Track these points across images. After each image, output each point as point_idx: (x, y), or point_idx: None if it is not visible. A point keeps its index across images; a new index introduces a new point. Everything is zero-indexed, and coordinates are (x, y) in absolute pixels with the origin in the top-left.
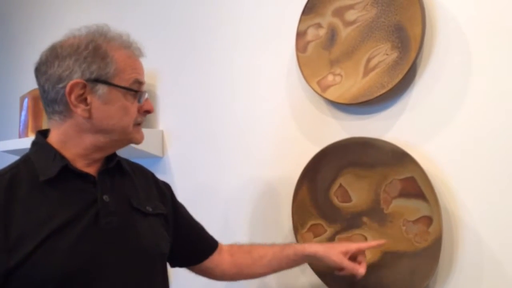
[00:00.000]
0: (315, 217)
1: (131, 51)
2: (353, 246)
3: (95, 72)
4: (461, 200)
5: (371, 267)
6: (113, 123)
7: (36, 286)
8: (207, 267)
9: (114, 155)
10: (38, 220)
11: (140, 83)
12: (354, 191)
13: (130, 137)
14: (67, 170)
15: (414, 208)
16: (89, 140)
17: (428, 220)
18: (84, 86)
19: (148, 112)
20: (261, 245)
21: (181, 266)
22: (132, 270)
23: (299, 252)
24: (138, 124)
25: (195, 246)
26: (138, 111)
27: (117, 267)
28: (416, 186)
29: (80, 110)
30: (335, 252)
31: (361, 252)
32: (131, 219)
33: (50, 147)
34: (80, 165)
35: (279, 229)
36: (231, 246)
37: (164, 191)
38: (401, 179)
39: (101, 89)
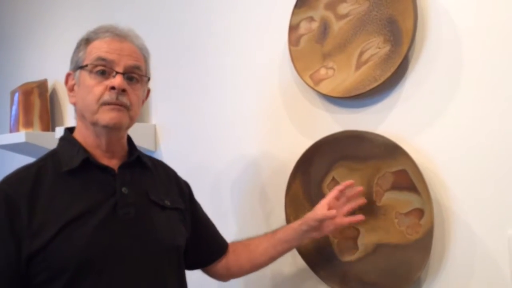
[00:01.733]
0: (308, 210)
1: (108, 35)
2: (326, 199)
3: (76, 60)
4: (452, 192)
5: (364, 259)
6: (82, 103)
7: (55, 272)
8: (217, 268)
9: (134, 149)
10: (59, 208)
11: (104, 59)
12: None
13: (95, 117)
14: (88, 163)
15: (406, 200)
16: (83, 127)
17: (419, 212)
18: (72, 76)
19: (112, 88)
20: (255, 237)
21: (192, 267)
22: (148, 260)
23: (287, 231)
24: (106, 104)
25: (208, 246)
26: (107, 89)
27: (132, 257)
28: (408, 178)
29: (70, 98)
30: (313, 213)
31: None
32: (148, 211)
33: (75, 141)
34: (99, 157)
35: (272, 222)
36: (232, 244)
37: (183, 188)
38: (393, 172)
39: (77, 74)
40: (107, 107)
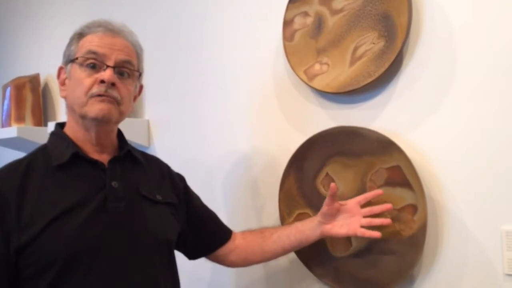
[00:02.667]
0: (302, 206)
1: (100, 30)
2: (327, 210)
3: (67, 55)
4: (446, 188)
5: (357, 255)
6: (71, 97)
7: (43, 265)
8: (221, 254)
9: (125, 144)
10: (48, 202)
11: (95, 53)
12: (341, 180)
13: (84, 110)
14: (78, 157)
15: (399, 196)
16: (73, 121)
17: (413, 208)
18: (64, 70)
19: (102, 81)
20: (271, 227)
21: (196, 256)
22: (138, 255)
23: (306, 221)
24: (95, 96)
25: (209, 236)
26: (96, 81)
27: (122, 251)
28: (402, 174)
29: (61, 92)
30: (333, 229)
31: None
32: (138, 205)
33: (65, 136)
34: (90, 151)
35: (266, 218)
36: (244, 231)
37: (177, 182)
38: (387, 168)
39: (69, 67)
40: (96, 98)
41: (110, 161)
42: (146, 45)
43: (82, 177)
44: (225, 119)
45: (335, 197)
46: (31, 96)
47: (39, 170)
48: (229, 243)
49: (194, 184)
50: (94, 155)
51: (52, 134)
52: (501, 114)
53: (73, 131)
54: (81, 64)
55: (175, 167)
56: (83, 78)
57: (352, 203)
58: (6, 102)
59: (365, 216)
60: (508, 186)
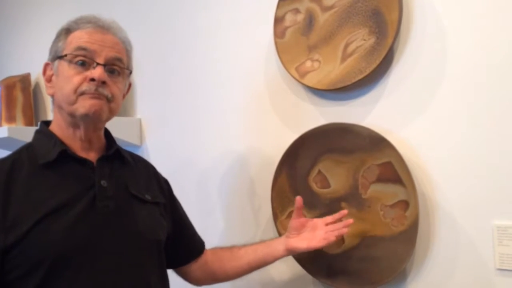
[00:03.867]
0: (294, 204)
1: (90, 26)
2: (293, 223)
3: (54, 51)
4: (437, 184)
5: (350, 251)
6: (60, 94)
7: (32, 265)
8: (191, 269)
9: (113, 143)
10: (35, 201)
11: (84, 49)
12: (333, 177)
13: (73, 108)
14: (66, 155)
15: (391, 192)
16: (60, 119)
17: (405, 204)
18: (50, 66)
19: (92, 79)
20: (241, 246)
21: (170, 266)
22: (128, 255)
23: (274, 239)
24: (84, 94)
25: (185, 246)
26: (86, 80)
27: (111, 250)
28: (393, 171)
29: (48, 89)
30: (295, 243)
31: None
32: (128, 204)
33: (51, 134)
34: (77, 149)
35: (259, 216)
36: (214, 247)
37: (163, 185)
38: (378, 164)
39: (56, 64)
40: (86, 95)
41: (99, 160)
42: (138, 43)
43: (70, 176)
44: (217, 116)
45: (301, 210)
46: (22, 96)
47: (25, 169)
48: (201, 257)
49: (188, 182)
50: (82, 153)
51: (38, 132)
52: (491, 110)
53: (60, 129)
54: (70, 61)
55: (168, 165)
56: (72, 76)
57: (319, 221)
58: None
59: (327, 225)
60: (499, 182)
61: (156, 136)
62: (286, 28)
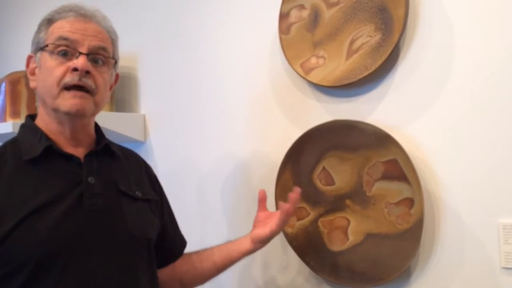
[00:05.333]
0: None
1: (71, 15)
2: (258, 216)
3: (36, 42)
4: (443, 181)
5: (354, 249)
6: (42, 87)
7: (17, 264)
8: (167, 270)
9: (102, 137)
10: (19, 199)
11: (66, 39)
12: (337, 174)
13: (56, 103)
14: (52, 151)
15: (396, 190)
16: (44, 113)
17: (410, 202)
18: (33, 59)
19: (74, 69)
20: (206, 249)
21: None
22: (116, 254)
23: (237, 256)
24: (68, 88)
25: (170, 246)
26: (69, 70)
27: (99, 250)
28: (399, 168)
29: (31, 82)
30: (257, 230)
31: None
32: (117, 202)
33: (37, 129)
34: (64, 145)
35: None
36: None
37: (154, 181)
38: (383, 162)
39: (38, 56)
40: (69, 93)
41: (86, 156)
42: (142, 38)
43: (56, 173)
44: (221, 112)
45: (263, 203)
46: (26, 91)
47: (9, 165)
48: (178, 264)
49: (192, 176)
50: (69, 149)
51: (23, 126)
52: (498, 106)
53: (45, 123)
54: (51, 52)
55: (172, 160)
56: (54, 67)
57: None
58: (1, 97)
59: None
60: (506, 180)
61: (160, 132)
62: (291, 24)
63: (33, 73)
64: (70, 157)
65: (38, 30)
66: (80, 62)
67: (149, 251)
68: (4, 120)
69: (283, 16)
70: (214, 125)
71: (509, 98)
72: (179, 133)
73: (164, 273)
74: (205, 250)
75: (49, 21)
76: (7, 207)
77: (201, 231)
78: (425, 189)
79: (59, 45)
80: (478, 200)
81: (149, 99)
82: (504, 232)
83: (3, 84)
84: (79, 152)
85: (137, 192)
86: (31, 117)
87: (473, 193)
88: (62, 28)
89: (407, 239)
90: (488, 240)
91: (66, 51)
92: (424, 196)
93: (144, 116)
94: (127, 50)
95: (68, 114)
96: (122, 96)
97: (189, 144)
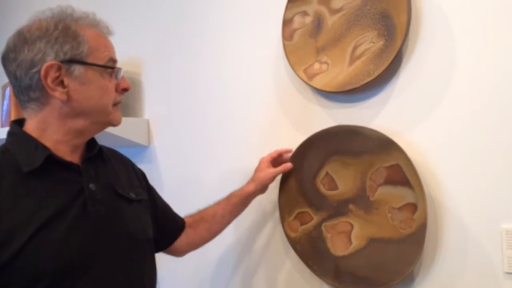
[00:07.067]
0: (301, 205)
1: (100, 29)
2: (272, 155)
3: (69, 52)
4: (445, 187)
5: (357, 254)
6: (92, 103)
7: (32, 279)
8: (177, 245)
9: (94, 142)
10: (26, 213)
11: (114, 61)
12: (341, 178)
13: (109, 118)
14: (50, 160)
15: (399, 195)
16: (69, 125)
17: (413, 207)
18: (59, 68)
19: (125, 90)
20: (208, 207)
21: (156, 250)
22: (124, 257)
23: (243, 196)
24: (115, 104)
25: (168, 227)
26: (116, 90)
27: (107, 256)
28: (402, 173)
29: (58, 93)
30: (265, 177)
31: (279, 154)
32: (117, 206)
33: (29, 137)
34: (63, 153)
35: (266, 217)
36: (187, 218)
37: (140, 177)
38: (386, 167)
39: (77, 69)
40: (117, 108)
41: (84, 162)
42: (146, 43)
43: (58, 182)
44: (225, 116)
45: (274, 159)
46: None
47: (7, 178)
48: (182, 234)
49: (195, 180)
50: (67, 156)
51: (11, 134)
52: (501, 112)
53: (43, 131)
54: (102, 71)
55: (176, 164)
56: (108, 86)
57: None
58: (5, 102)
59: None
60: (508, 185)
61: (164, 137)
62: (295, 30)
63: (58, 83)
64: (69, 165)
65: (65, 38)
66: (128, 83)
67: (151, 250)
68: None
69: (287, 22)
70: (218, 129)
71: (511, 104)
72: (182, 137)
73: (182, 242)
74: (212, 208)
75: (69, 29)
76: (15, 223)
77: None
78: (428, 194)
79: (111, 67)
80: (480, 205)
81: (153, 103)
82: (507, 237)
83: (8, 89)
84: (75, 159)
85: (131, 194)
86: (18, 123)
87: (475, 198)
88: (107, 47)
89: (410, 244)
90: (491, 245)
91: (113, 68)
92: (427, 201)
93: (148, 120)
94: (132, 55)
95: (115, 125)
96: (126, 100)
97: (192, 148)
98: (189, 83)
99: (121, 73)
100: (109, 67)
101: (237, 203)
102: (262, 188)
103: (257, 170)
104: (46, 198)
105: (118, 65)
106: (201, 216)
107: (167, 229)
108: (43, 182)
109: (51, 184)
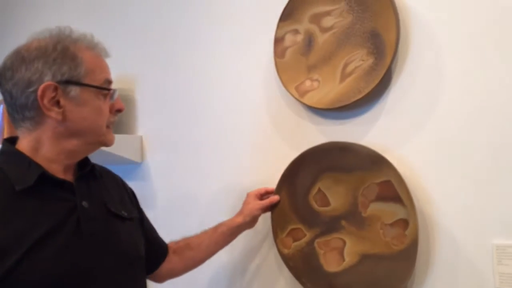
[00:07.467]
0: (294, 222)
1: (97, 51)
2: (259, 191)
3: (66, 73)
4: (436, 202)
5: (350, 270)
6: (87, 124)
7: None
8: (159, 271)
9: (87, 159)
10: (19, 231)
11: (109, 82)
12: (333, 195)
13: (103, 138)
14: (43, 178)
15: (391, 211)
16: (63, 145)
17: (404, 223)
18: (56, 89)
19: (119, 111)
20: (194, 235)
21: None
22: (117, 275)
23: (231, 226)
24: (108, 126)
25: (154, 251)
26: (110, 111)
27: (101, 274)
28: (393, 189)
29: (53, 113)
30: (253, 208)
31: (266, 191)
32: (110, 224)
33: (22, 155)
34: (55, 172)
35: (258, 234)
36: (171, 244)
37: (131, 196)
38: (378, 183)
39: (74, 90)
40: (110, 130)
41: (77, 179)
42: (140, 60)
43: (51, 200)
44: (218, 134)
45: (262, 195)
46: None
47: (0, 197)
48: (165, 260)
49: (188, 197)
50: (60, 174)
51: (4, 153)
52: (490, 128)
53: (35, 149)
54: (97, 92)
55: (169, 181)
56: (102, 107)
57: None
58: None
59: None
60: (498, 201)
61: (157, 153)
62: (286, 48)
63: (54, 104)
64: (62, 183)
65: (63, 59)
66: (122, 105)
67: (142, 268)
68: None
69: (278, 40)
70: (211, 146)
71: (500, 120)
72: (175, 154)
73: (163, 269)
74: (199, 243)
75: (67, 50)
76: (7, 241)
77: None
78: (419, 210)
79: (107, 89)
80: (471, 221)
81: (146, 120)
82: (497, 253)
83: (1, 106)
84: (68, 176)
85: (123, 212)
86: (10, 141)
87: (466, 213)
88: (103, 68)
89: (402, 260)
90: (482, 261)
91: (109, 90)
92: (419, 217)
93: (141, 137)
94: (125, 72)
95: (107, 146)
96: (119, 117)
97: (185, 165)
98: (182, 100)
99: (116, 94)
100: (105, 88)
101: (224, 233)
102: (251, 220)
103: (245, 203)
104: (39, 216)
105: (113, 81)
106: (186, 243)
107: (152, 254)
108: (36, 200)
109: (44, 202)
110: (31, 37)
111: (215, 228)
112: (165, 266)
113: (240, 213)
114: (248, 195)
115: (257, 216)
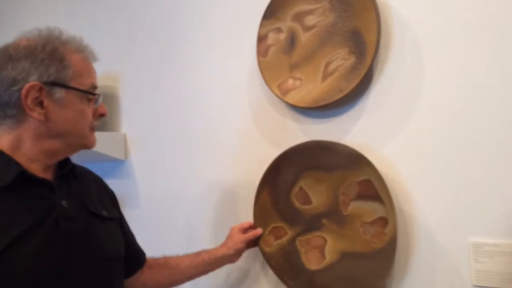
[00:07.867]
0: (276, 220)
1: (86, 54)
2: (243, 225)
3: (53, 74)
4: (415, 201)
5: (330, 268)
6: (69, 127)
7: None
8: (131, 281)
9: (67, 159)
10: None
11: (95, 87)
12: (314, 193)
13: (85, 141)
14: (22, 177)
15: (370, 209)
16: (44, 145)
17: (384, 221)
18: (41, 89)
19: (102, 115)
20: (175, 256)
21: None
22: (95, 275)
23: (213, 256)
24: (92, 129)
25: (131, 258)
26: (93, 115)
27: (80, 274)
28: (373, 188)
29: (36, 113)
30: (237, 240)
31: (250, 226)
32: (90, 224)
33: (2, 153)
34: (35, 171)
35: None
36: (149, 259)
37: (112, 198)
38: (358, 182)
39: (59, 92)
40: (93, 133)
41: (57, 179)
42: (125, 57)
43: (30, 198)
44: (201, 131)
45: (245, 230)
46: None
47: None
48: (140, 271)
49: (172, 195)
50: (39, 173)
51: None
52: (469, 127)
53: (15, 148)
54: (81, 96)
55: (153, 179)
56: (86, 111)
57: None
58: None
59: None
60: (475, 199)
61: (141, 151)
62: (269, 46)
63: (37, 104)
64: (41, 182)
65: (50, 60)
66: (105, 109)
67: (120, 268)
68: None
69: (261, 38)
70: (194, 143)
71: (479, 119)
72: (159, 151)
73: (136, 280)
74: (178, 263)
75: (62, 55)
76: None
77: (186, 250)
78: (398, 209)
79: (92, 93)
80: (449, 219)
81: (130, 118)
82: (474, 250)
83: None
84: (48, 176)
85: (103, 212)
86: None
87: (444, 212)
88: (90, 73)
89: (381, 258)
90: (460, 258)
91: (94, 95)
92: (398, 215)
93: (125, 135)
94: (109, 69)
95: (88, 148)
96: None
97: (168, 164)
98: (166, 97)
99: (101, 100)
100: (91, 93)
101: (205, 260)
102: (234, 254)
103: (229, 236)
104: (17, 214)
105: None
106: (165, 261)
107: (129, 259)
108: (15, 199)
109: (23, 201)
110: (20, 35)
111: (198, 253)
112: (138, 277)
113: (224, 245)
114: (231, 229)
115: (241, 249)
